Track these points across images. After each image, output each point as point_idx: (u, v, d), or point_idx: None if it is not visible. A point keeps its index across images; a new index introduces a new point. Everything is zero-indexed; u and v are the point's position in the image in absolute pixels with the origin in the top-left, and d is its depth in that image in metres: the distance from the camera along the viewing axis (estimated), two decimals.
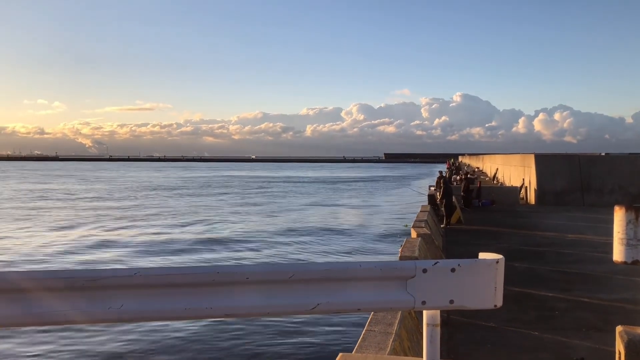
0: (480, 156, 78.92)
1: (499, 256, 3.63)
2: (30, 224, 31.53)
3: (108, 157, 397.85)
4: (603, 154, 42.23)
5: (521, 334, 7.41)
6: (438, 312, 3.69)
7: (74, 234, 27.55)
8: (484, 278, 3.54)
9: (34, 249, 23.22)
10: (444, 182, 22.00)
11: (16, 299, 3.11)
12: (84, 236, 26.65)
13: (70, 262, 20.07)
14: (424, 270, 3.50)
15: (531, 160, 27.48)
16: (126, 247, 23.76)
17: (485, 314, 7.81)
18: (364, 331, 5.39)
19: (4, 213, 37.51)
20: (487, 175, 51.86)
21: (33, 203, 46.14)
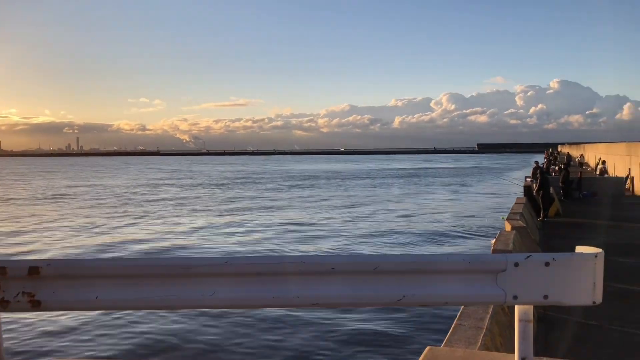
0: (581, 145, 74.87)
1: (598, 250, 3.42)
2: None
3: (205, 151, 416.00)
4: None
5: (628, 333, 6.93)
6: (531, 307, 3.54)
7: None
8: (581, 273, 3.36)
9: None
10: (540, 173, 20.94)
11: (124, 284, 3.35)
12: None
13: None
14: (516, 264, 3.37)
15: (638, 149, 25.58)
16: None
17: (586, 311, 7.38)
18: (453, 325, 5.27)
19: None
20: (588, 166, 48.90)
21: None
